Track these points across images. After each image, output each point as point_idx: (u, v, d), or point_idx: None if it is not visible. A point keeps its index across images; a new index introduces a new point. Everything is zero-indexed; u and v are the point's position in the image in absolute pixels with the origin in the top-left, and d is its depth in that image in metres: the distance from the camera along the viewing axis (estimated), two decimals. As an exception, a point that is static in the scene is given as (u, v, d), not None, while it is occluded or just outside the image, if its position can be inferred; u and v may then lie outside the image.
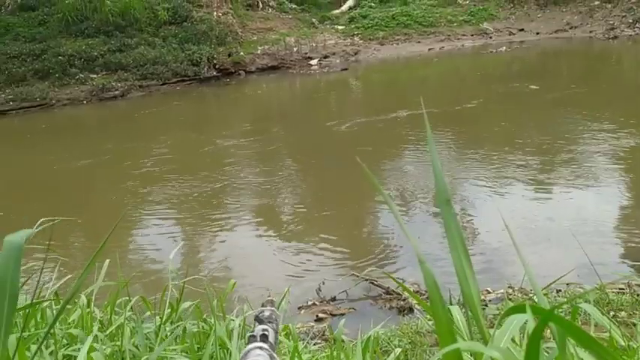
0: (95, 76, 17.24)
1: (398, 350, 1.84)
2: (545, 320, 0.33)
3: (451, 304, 3.39)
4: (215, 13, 19.63)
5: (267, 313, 1.01)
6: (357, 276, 5.23)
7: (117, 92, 16.85)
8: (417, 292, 4.94)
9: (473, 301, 0.41)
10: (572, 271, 4.76)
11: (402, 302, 4.79)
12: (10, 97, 16.23)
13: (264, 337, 0.91)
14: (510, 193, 7.03)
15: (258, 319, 0.99)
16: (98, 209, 7.92)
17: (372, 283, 5.17)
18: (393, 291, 4.95)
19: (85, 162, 10.39)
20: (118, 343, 1.36)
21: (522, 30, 21.44)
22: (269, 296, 1.11)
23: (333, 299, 5.02)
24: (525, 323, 0.50)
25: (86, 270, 0.88)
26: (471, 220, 6.31)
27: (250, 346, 0.88)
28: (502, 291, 4.23)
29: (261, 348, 0.88)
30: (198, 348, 1.47)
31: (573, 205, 6.53)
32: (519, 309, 0.42)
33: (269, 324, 0.97)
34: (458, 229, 0.46)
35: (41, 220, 1.76)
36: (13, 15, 18.73)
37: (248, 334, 0.90)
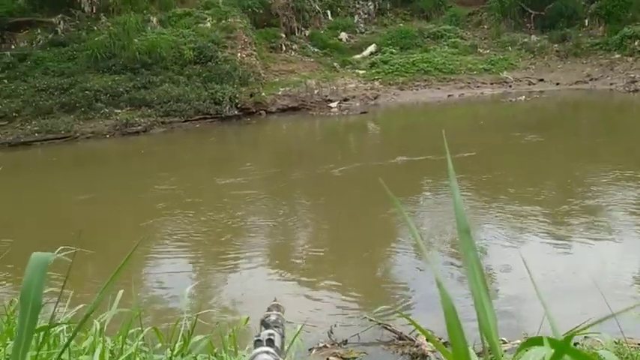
0: (119, 111, 17.59)
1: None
2: (561, 351, 0.33)
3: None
4: (239, 54, 20.06)
5: (273, 318, 1.00)
6: (371, 320, 5.15)
7: (139, 127, 17.15)
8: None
9: (489, 329, 0.41)
10: (591, 323, 4.64)
11: (414, 348, 4.70)
12: (35, 128, 16.59)
13: (270, 342, 0.90)
14: (525, 244, 6.94)
15: (265, 324, 0.98)
16: (110, 241, 7.97)
17: (386, 327, 5.09)
18: (407, 336, 4.86)
19: (100, 194, 10.52)
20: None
21: (542, 80, 21.54)
22: (274, 300, 1.10)
23: (345, 342, 4.94)
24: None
25: (100, 296, 0.89)
26: (486, 269, 6.22)
27: (256, 350, 0.87)
28: (518, 341, 4.13)
29: (267, 352, 0.87)
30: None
31: (590, 257, 6.42)
32: (537, 342, 0.42)
33: (275, 328, 0.96)
34: (476, 259, 0.46)
35: (60, 247, 1.78)
36: (43, 50, 19.31)
37: (254, 339, 0.89)
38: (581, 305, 5.10)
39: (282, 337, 0.98)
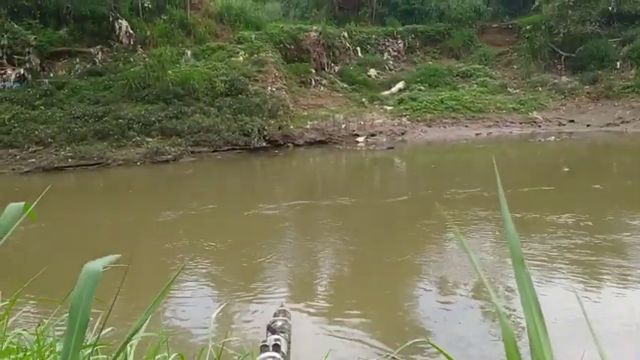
0: (151, 139, 17.95)
1: None
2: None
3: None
4: (269, 88, 20.40)
5: (279, 323, 1.00)
6: (394, 358, 5.07)
7: (169, 156, 17.46)
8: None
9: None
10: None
11: (437, 390, 4.60)
12: (69, 154, 17.02)
13: (276, 347, 0.89)
14: (553, 286, 6.78)
15: (271, 329, 0.97)
16: (138, 267, 8.04)
17: (408, 366, 5.00)
18: (429, 377, 4.76)
19: (128, 220, 10.67)
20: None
21: (572, 121, 21.37)
22: (281, 306, 1.10)
23: (366, 380, 4.87)
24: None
25: (137, 325, 0.91)
26: (515, 311, 6.10)
27: (262, 355, 0.87)
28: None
29: (273, 358, 0.86)
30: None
31: (621, 303, 6.25)
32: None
33: (281, 334, 0.96)
34: (531, 288, 0.47)
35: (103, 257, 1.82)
36: (80, 79, 19.93)
37: (260, 344, 0.89)
38: (610, 351, 4.95)
39: (289, 342, 0.98)
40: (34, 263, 7.40)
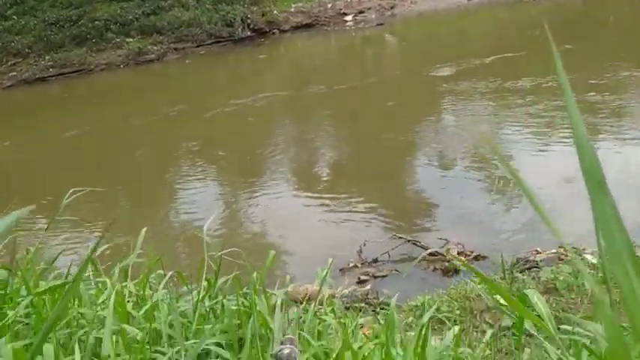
0: (131, 40, 17.25)
1: (456, 328, 1.71)
2: None
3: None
4: (247, -29, 19.25)
5: (286, 351, 0.97)
6: (400, 237, 5.11)
7: (153, 56, 16.86)
8: (462, 252, 4.80)
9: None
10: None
11: (446, 263, 4.66)
12: (49, 63, 16.47)
13: None
14: (554, 146, 6.73)
15: (277, 358, 0.95)
16: (132, 172, 7.99)
17: (415, 244, 5.05)
18: (437, 252, 4.81)
19: (117, 127, 10.48)
20: (154, 325, 1.28)
21: (568, -24, 20.33)
22: (289, 334, 1.07)
23: (375, 261, 4.93)
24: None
25: (95, 247, 0.77)
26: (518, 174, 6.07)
27: None
28: (554, 251, 4.04)
29: None
30: (238, 325, 1.37)
31: (620, 159, 6.21)
32: None
33: None
34: (618, 222, 0.31)
35: (72, 190, 1.69)
36: (48, -19, 18.81)
37: None
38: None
39: None
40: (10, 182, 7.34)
